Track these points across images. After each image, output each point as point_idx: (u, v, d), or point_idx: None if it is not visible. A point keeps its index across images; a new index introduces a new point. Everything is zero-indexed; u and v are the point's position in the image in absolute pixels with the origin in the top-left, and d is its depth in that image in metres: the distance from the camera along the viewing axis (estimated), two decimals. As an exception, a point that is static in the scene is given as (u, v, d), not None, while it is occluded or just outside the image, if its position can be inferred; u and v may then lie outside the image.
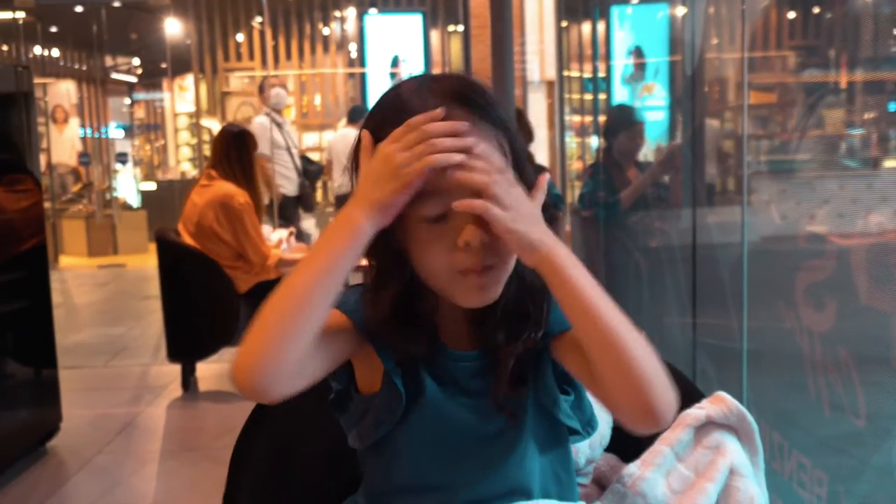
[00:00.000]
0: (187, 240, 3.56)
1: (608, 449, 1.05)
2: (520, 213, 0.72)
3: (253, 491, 1.01)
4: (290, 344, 0.71)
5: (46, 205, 9.31)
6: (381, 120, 0.78)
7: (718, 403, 1.07)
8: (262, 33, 9.49)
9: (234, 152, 3.51)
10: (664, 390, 0.72)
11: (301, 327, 0.72)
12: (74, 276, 8.07)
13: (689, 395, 1.07)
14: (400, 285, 0.81)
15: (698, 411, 1.04)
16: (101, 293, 7.14)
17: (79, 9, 10.08)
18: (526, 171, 0.81)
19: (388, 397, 0.81)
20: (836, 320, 1.37)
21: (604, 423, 1.01)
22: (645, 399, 0.71)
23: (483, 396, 0.82)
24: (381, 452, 0.84)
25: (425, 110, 0.75)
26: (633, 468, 1.03)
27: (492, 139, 0.77)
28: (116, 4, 9.98)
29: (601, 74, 6.71)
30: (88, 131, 12.35)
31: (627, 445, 1.03)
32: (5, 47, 10.97)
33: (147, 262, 7.51)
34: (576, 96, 7.42)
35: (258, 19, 9.45)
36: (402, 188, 0.72)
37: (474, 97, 0.78)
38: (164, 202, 9.75)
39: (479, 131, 0.76)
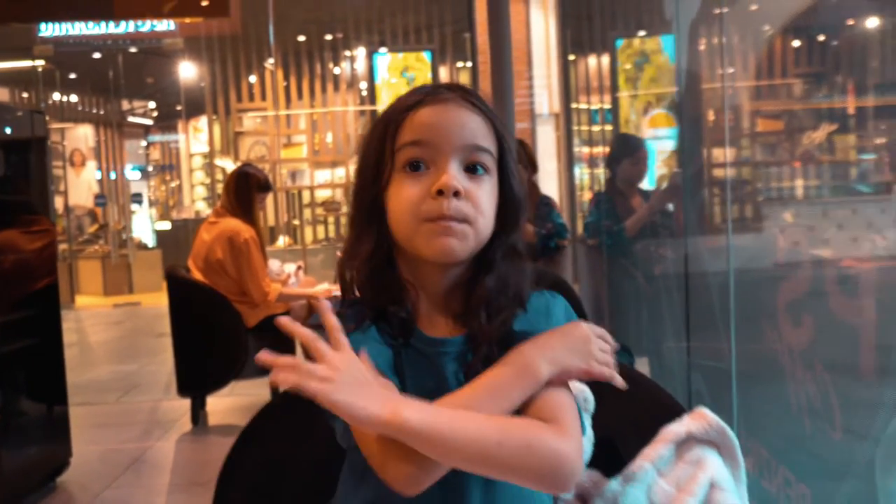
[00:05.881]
0: (197, 276, 3.62)
1: (590, 465, 1.06)
2: (343, 381, 0.69)
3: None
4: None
5: (63, 246, 9.52)
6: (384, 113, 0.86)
7: (699, 419, 1.09)
8: (273, 74, 9.67)
9: (237, 191, 3.60)
10: (554, 472, 0.76)
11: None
12: (90, 315, 8.15)
13: (672, 411, 1.09)
14: (374, 243, 0.83)
15: (679, 427, 1.05)
16: (115, 331, 7.21)
17: (96, 55, 10.35)
18: (512, 175, 0.86)
19: None
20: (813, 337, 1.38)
21: (585, 439, 1.03)
22: (542, 485, 0.79)
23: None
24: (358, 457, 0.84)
25: (419, 98, 0.83)
26: (614, 484, 1.04)
27: (484, 126, 0.83)
28: (132, 50, 10.24)
29: (607, 106, 6.80)
30: (105, 173, 12.58)
31: (609, 461, 1.04)
32: (25, 94, 11.26)
33: (161, 300, 7.55)
34: (584, 128, 7.50)
35: (270, 61, 9.64)
36: (583, 373, 0.82)
37: (466, 90, 0.85)
38: (178, 241, 9.87)
39: (471, 115, 0.83)
